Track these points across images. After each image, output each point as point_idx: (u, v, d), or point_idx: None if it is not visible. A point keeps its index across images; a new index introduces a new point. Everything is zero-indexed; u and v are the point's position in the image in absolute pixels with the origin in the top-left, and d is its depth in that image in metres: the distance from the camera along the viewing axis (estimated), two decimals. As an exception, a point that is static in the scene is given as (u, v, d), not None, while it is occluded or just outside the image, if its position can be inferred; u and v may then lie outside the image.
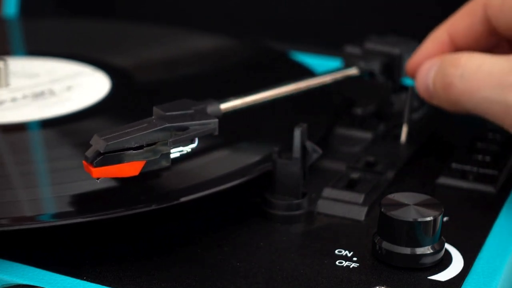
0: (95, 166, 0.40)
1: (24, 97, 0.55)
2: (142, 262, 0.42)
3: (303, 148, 0.45)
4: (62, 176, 0.45)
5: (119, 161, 0.41)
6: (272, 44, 0.69)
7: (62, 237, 0.44)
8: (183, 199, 0.43)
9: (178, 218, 0.45)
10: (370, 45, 0.55)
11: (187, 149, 0.43)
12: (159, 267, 0.41)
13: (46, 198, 0.44)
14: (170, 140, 0.42)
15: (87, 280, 0.40)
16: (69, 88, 0.56)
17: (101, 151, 0.40)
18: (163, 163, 0.42)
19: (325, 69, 0.54)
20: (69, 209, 0.43)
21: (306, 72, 0.60)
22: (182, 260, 0.42)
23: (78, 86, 0.57)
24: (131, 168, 0.41)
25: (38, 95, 0.55)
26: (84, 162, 0.41)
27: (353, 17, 0.72)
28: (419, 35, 0.55)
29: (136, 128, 0.42)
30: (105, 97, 0.55)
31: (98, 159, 0.40)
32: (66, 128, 0.51)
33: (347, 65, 0.55)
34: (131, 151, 0.41)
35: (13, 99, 0.55)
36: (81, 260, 0.42)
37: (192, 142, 0.43)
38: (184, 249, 0.43)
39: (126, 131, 0.41)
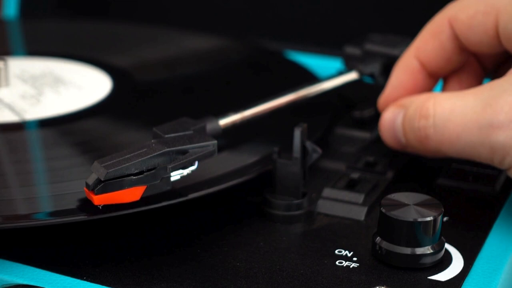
0: (96, 194, 0.40)
1: (24, 97, 0.55)
2: (142, 262, 0.42)
3: (303, 148, 0.45)
4: (63, 175, 0.45)
5: (120, 187, 0.41)
6: (271, 44, 0.69)
7: (62, 236, 0.44)
8: (182, 198, 0.43)
9: (178, 217, 0.45)
10: (370, 46, 0.55)
11: (187, 171, 0.43)
12: (159, 267, 0.41)
13: (46, 196, 0.44)
14: (170, 166, 0.42)
15: (87, 280, 0.40)
16: (69, 88, 0.56)
17: (102, 179, 0.40)
18: (164, 187, 0.42)
19: (325, 69, 0.54)
20: (68, 207, 0.43)
21: (303, 72, 0.60)
22: (182, 260, 0.42)
23: (78, 86, 0.57)
24: (132, 194, 0.41)
25: (38, 95, 0.55)
26: (85, 189, 0.41)
27: (353, 17, 0.72)
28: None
29: (135, 153, 0.42)
30: (106, 97, 0.55)
31: (99, 186, 0.40)
32: (66, 128, 0.51)
33: (347, 67, 0.55)
34: (132, 177, 0.41)
35: (13, 99, 0.55)
36: (81, 260, 0.42)
37: (192, 164, 0.43)
38: (184, 249, 0.43)
39: (126, 157, 0.41)
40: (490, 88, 0.44)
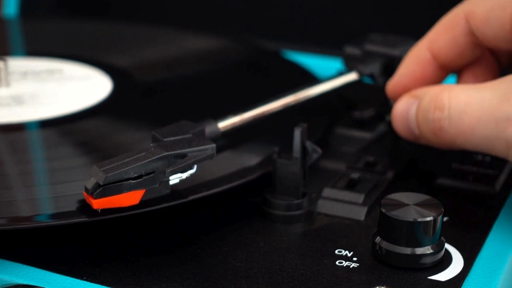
0: (95, 198, 0.40)
1: (24, 97, 0.55)
2: (142, 262, 0.42)
3: (303, 148, 0.45)
4: (63, 176, 0.45)
5: (118, 191, 0.41)
6: (271, 44, 0.69)
7: (62, 237, 0.44)
8: (183, 200, 0.43)
9: (178, 218, 0.45)
10: (370, 46, 0.55)
11: (186, 175, 0.43)
12: (159, 267, 0.41)
13: (47, 198, 0.44)
14: (168, 170, 0.42)
15: (87, 280, 0.40)
16: (69, 89, 0.56)
17: (100, 184, 0.40)
18: (163, 190, 0.42)
19: (325, 69, 0.54)
20: (70, 209, 0.43)
21: (303, 72, 0.60)
22: (182, 260, 0.42)
23: (78, 86, 0.57)
24: (131, 198, 0.41)
25: (39, 95, 0.55)
26: (84, 193, 0.41)
27: (353, 17, 0.72)
28: (419, 35, 0.55)
29: (134, 157, 0.42)
30: (107, 97, 0.55)
31: (98, 191, 0.40)
32: (66, 128, 0.51)
33: (347, 67, 0.55)
34: (130, 181, 0.41)
35: (13, 99, 0.55)
36: (81, 260, 0.42)
37: (190, 168, 0.43)
38: (184, 249, 0.43)
39: (125, 161, 0.41)
40: (507, 81, 0.44)
